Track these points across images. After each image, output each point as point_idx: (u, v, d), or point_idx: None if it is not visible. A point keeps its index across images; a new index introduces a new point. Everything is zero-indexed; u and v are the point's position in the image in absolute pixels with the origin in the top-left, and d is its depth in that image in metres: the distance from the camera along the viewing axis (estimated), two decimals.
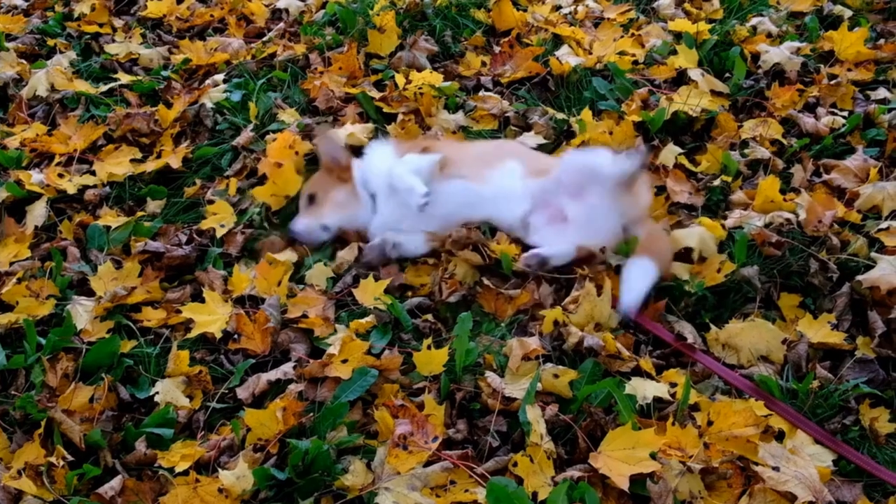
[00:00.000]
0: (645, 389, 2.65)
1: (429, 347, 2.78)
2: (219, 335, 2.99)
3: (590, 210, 3.17)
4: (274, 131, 3.91)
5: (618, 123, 3.80)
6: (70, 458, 2.54)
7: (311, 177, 3.55)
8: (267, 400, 2.75)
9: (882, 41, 4.36)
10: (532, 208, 3.26)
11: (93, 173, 3.80)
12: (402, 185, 3.25)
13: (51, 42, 4.84)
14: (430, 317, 3.05)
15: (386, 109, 4.03)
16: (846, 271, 3.08)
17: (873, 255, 3.07)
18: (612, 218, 3.16)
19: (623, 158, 3.12)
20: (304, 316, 3.03)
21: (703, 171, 3.61)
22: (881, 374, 2.77)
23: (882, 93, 3.99)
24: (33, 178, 3.66)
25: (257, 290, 3.16)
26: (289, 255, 3.31)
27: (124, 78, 4.45)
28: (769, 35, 4.46)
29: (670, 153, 3.65)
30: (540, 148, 3.75)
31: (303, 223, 3.38)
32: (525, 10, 4.82)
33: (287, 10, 5.07)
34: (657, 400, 2.65)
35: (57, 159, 3.88)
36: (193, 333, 3.00)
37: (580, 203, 3.19)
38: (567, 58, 4.29)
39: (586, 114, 3.85)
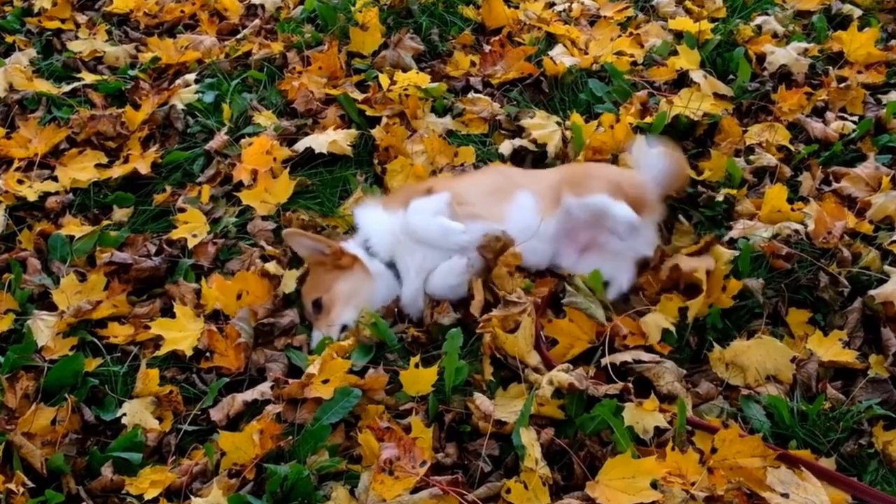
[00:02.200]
0: (644, 422, 2.63)
1: (416, 366, 2.78)
2: (189, 353, 2.98)
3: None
4: (249, 135, 3.93)
5: (612, 126, 3.81)
6: (31, 484, 2.52)
7: (305, 281, 3.30)
8: (242, 422, 2.74)
9: (893, 42, 4.40)
10: (557, 248, 3.26)
11: (55, 179, 3.80)
12: (431, 233, 3.10)
13: (9, 39, 4.84)
14: (413, 329, 3.05)
15: (369, 112, 4.04)
16: (858, 285, 3.09)
17: (886, 268, 3.08)
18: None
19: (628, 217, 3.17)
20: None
21: (707, 179, 3.62)
22: None
23: (894, 96, 4.01)
24: None
25: (221, 307, 3.15)
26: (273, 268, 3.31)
27: (88, 77, 4.45)
28: (775, 35, 4.49)
29: None
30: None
31: (319, 338, 3.08)
32: (517, 8, 4.85)
33: (263, 6, 5.09)
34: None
35: (16, 164, 3.87)
36: (163, 351, 3.00)
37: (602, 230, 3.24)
38: (561, 58, 4.32)
39: (576, 117, 3.87)
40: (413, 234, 3.12)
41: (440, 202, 3.15)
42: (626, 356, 2.84)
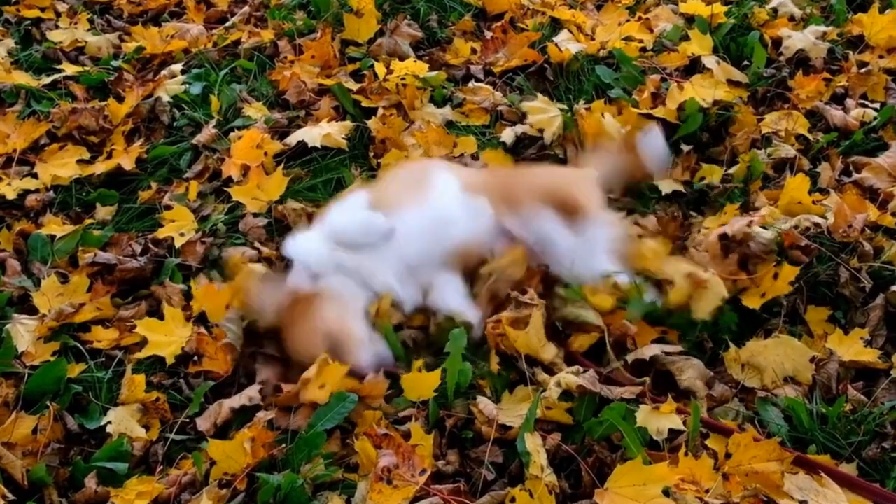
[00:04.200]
0: (658, 423, 2.61)
1: (419, 370, 2.78)
2: (171, 360, 2.97)
3: None
4: (239, 128, 3.92)
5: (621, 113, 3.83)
6: (11, 496, 2.52)
7: None
8: (232, 429, 2.74)
9: None
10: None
11: (35, 176, 3.80)
12: (350, 231, 3.06)
13: None
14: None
15: (364, 103, 4.04)
16: (880, 281, 3.07)
17: None
18: None
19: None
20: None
21: (733, 177, 3.60)
22: None
23: None
24: None
25: (207, 313, 3.13)
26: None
27: (69, 69, 4.44)
28: (792, 18, 4.48)
29: None
30: None
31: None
32: None
33: None
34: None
35: None
36: (144, 353, 2.99)
37: None
38: (567, 44, 4.32)
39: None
40: (336, 237, 3.06)
41: (358, 198, 3.19)
42: (654, 349, 2.85)
